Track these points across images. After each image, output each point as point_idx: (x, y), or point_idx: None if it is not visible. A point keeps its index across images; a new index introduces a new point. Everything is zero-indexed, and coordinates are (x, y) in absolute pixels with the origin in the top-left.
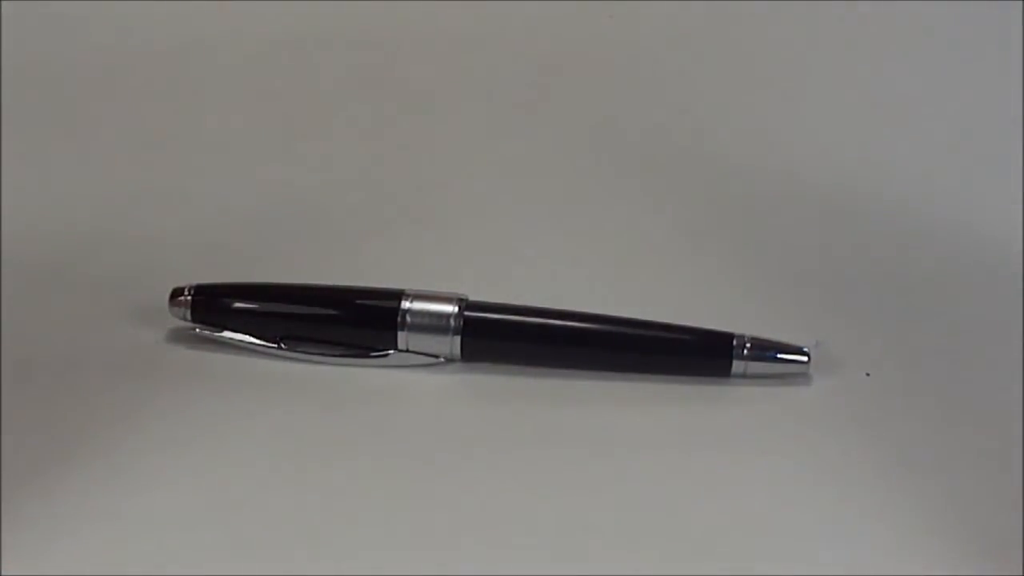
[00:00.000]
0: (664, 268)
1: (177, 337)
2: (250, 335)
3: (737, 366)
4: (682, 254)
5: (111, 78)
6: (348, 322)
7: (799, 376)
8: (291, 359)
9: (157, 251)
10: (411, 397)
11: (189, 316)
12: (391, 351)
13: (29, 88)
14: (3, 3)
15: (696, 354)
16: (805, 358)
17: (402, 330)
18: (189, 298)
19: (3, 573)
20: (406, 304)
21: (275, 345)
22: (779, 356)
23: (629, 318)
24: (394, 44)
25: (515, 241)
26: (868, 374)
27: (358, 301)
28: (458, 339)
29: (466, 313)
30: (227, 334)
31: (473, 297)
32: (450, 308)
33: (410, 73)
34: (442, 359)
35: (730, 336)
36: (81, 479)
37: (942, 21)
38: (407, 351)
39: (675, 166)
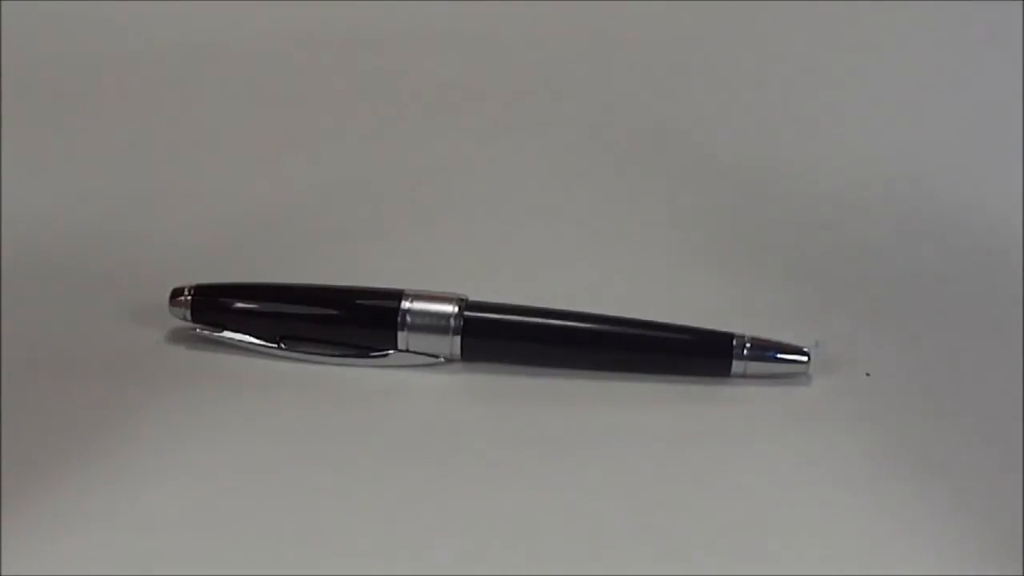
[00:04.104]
0: (665, 268)
1: (177, 337)
2: (250, 335)
3: (737, 366)
4: (683, 254)
5: (111, 78)
6: (348, 322)
7: (799, 376)
8: (291, 359)
9: (157, 251)
10: (411, 397)
11: (189, 316)
12: (391, 351)
13: (29, 88)
14: (3, 3)
15: (696, 354)
16: (805, 358)
17: (402, 330)
18: (189, 298)
19: (3, 573)
20: (406, 304)
21: (275, 345)
22: (779, 356)
23: (629, 318)
24: (394, 44)
25: (515, 241)
26: (868, 374)
27: (358, 301)
28: (458, 339)
29: (466, 313)
30: (227, 334)
31: (473, 297)
32: (450, 308)
33: (410, 73)
34: (442, 359)
35: (730, 336)
36: (81, 479)
37: (942, 21)
38: (407, 351)
39: (675, 166)
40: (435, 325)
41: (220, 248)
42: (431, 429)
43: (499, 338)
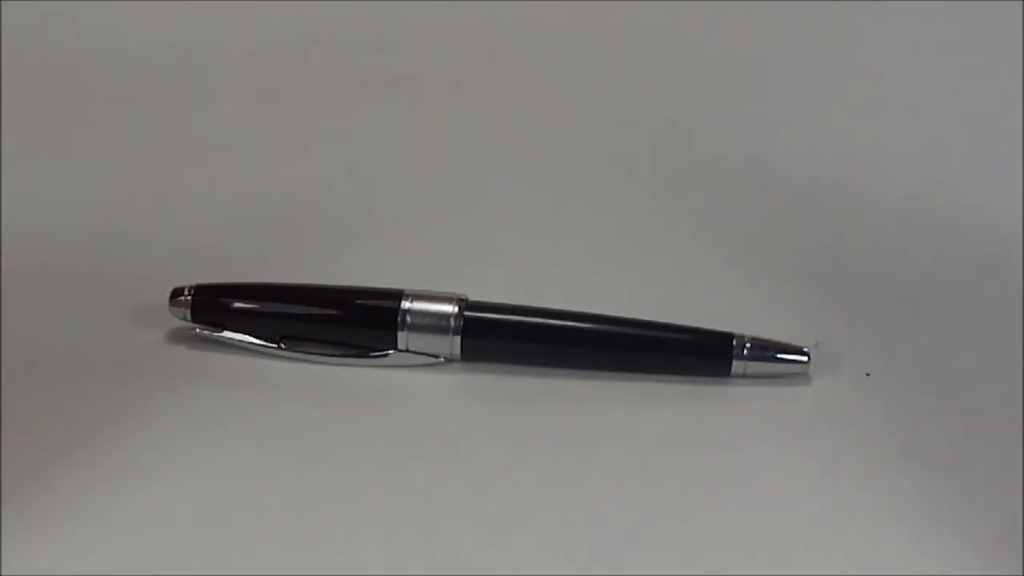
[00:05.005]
0: (664, 268)
1: (177, 337)
2: (250, 335)
3: (737, 366)
4: (682, 254)
5: (111, 78)
6: (348, 322)
7: (799, 376)
8: (291, 359)
9: (157, 251)
10: (411, 397)
11: (189, 316)
12: (391, 351)
13: (29, 88)
14: (3, 3)
15: (696, 354)
16: (805, 358)
17: (402, 330)
18: (189, 298)
19: (3, 573)
20: (406, 304)
21: (275, 345)
22: (779, 356)
23: (629, 318)
24: (394, 44)
25: (515, 241)
26: (868, 374)
27: (358, 301)
28: (458, 339)
29: (466, 313)
30: (227, 334)
31: (473, 297)
32: (450, 308)
33: (411, 73)
34: (442, 359)
35: (730, 336)
36: (81, 479)
37: (942, 21)
38: (407, 351)
39: (675, 166)
40: (435, 325)
41: (220, 248)
42: (431, 429)
43: (499, 338)
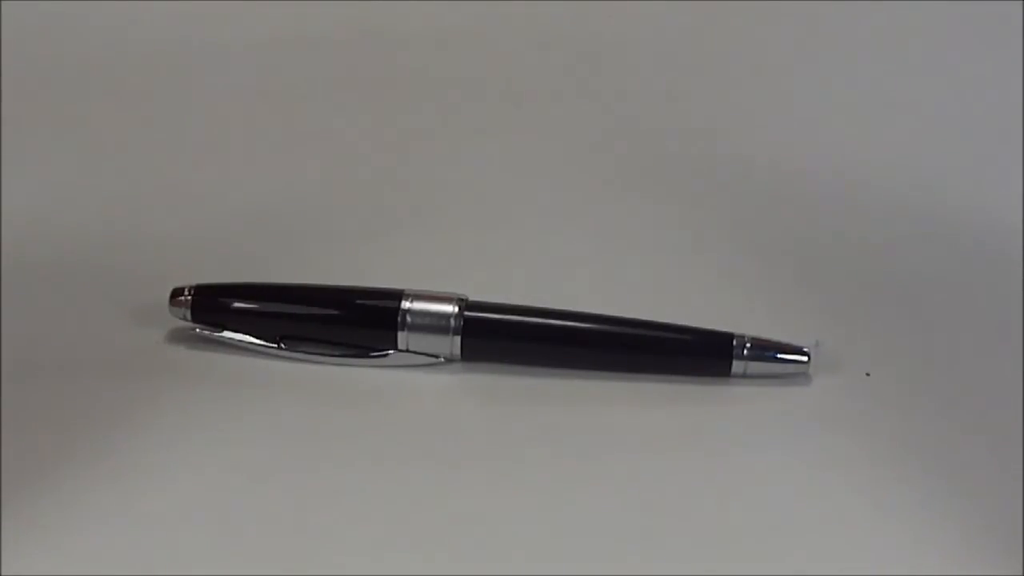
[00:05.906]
0: (665, 268)
1: (177, 337)
2: (250, 335)
3: (737, 366)
4: (682, 254)
5: (111, 78)
6: (348, 322)
7: (799, 376)
8: (291, 359)
9: (157, 251)
10: (411, 397)
11: (189, 316)
12: (391, 351)
13: (29, 88)
14: (3, 3)
15: (696, 354)
16: (805, 358)
17: (402, 330)
18: (189, 298)
19: (3, 573)
20: (406, 304)
21: (275, 345)
22: (779, 356)
23: (629, 318)
24: (394, 44)
25: (515, 241)
26: (868, 374)
27: (358, 301)
28: (458, 339)
29: (466, 313)
30: (227, 334)
31: (473, 297)
32: (450, 308)
33: (410, 72)
34: (442, 359)
35: (730, 336)
36: (81, 479)
37: (942, 21)
38: (407, 351)
39: (675, 166)
40: (435, 325)
41: (220, 248)
42: (431, 429)
43: (499, 338)
